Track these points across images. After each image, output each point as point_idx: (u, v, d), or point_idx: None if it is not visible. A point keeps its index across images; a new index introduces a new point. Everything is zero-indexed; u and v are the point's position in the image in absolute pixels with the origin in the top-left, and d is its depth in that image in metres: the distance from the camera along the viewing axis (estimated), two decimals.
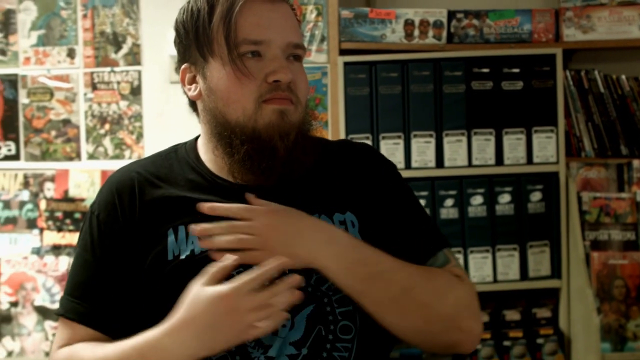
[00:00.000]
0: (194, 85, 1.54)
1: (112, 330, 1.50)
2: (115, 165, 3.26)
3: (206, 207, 1.44)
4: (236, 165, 1.49)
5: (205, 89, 1.51)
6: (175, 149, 1.63)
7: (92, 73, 3.31)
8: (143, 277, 1.37)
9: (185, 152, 1.60)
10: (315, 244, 1.43)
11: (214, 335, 1.35)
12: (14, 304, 3.04)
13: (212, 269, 1.39)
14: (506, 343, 2.99)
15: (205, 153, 1.56)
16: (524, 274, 3.00)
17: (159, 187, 1.54)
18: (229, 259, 1.39)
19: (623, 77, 3.14)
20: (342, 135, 2.98)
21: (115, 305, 1.51)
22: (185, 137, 1.68)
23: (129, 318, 1.50)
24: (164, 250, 1.48)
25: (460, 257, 2.94)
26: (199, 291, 1.37)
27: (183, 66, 1.55)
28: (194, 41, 1.50)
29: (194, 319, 1.36)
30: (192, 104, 1.58)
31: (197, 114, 1.58)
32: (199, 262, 1.45)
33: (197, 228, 1.43)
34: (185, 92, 1.57)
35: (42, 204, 3.18)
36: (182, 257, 1.47)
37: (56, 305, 3.03)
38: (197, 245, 1.47)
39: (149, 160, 1.62)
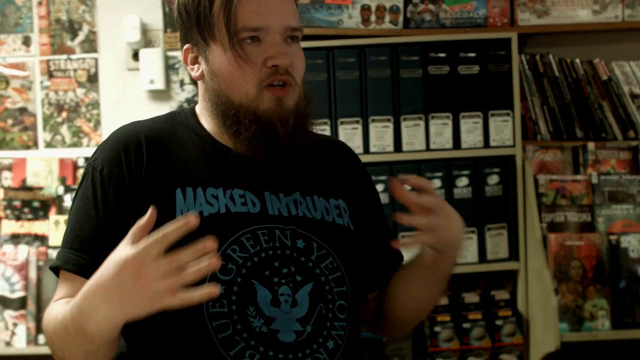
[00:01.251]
0: (196, 65, 1.58)
1: None
2: (73, 153, 3.25)
3: (396, 182, 1.48)
4: (242, 144, 1.53)
5: (208, 71, 1.55)
6: (173, 114, 1.66)
7: (48, 61, 3.29)
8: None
9: (185, 118, 1.63)
10: (463, 238, 1.57)
11: (123, 300, 1.31)
12: None
13: (133, 228, 1.35)
14: (465, 325, 3.01)
15: (208, 123, 1.60)
16: (482, 257, 3.02)
17: (166, 146, 1.56)
18: (152, 217, 1.34)
19: (577, 60, 3.17)
20: None
21: None
22: None
23: None
24: (172, 209, 1.49)
25: None
26: (116, 252, 1.34)
27: (185, 46, 1.59)
28: (195, 25, 1.55)
29: (105, 281, 1.33)
30: (194, 81, 1.62)
31: (197, 92, 1.62)
32: (207, 223, 1.47)
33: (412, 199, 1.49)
34: (188, 72, 1.61)
35: (0, 193, 3.15)
36: None
37: (16, 295, 3.02)
38: (205, 207, 1.50)
39: (151, 121, 1.63)
